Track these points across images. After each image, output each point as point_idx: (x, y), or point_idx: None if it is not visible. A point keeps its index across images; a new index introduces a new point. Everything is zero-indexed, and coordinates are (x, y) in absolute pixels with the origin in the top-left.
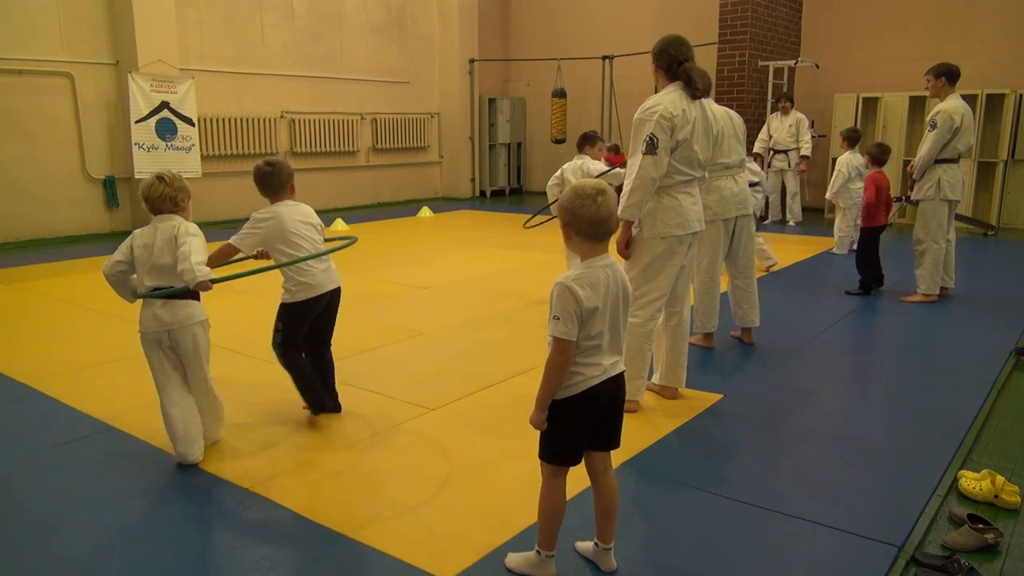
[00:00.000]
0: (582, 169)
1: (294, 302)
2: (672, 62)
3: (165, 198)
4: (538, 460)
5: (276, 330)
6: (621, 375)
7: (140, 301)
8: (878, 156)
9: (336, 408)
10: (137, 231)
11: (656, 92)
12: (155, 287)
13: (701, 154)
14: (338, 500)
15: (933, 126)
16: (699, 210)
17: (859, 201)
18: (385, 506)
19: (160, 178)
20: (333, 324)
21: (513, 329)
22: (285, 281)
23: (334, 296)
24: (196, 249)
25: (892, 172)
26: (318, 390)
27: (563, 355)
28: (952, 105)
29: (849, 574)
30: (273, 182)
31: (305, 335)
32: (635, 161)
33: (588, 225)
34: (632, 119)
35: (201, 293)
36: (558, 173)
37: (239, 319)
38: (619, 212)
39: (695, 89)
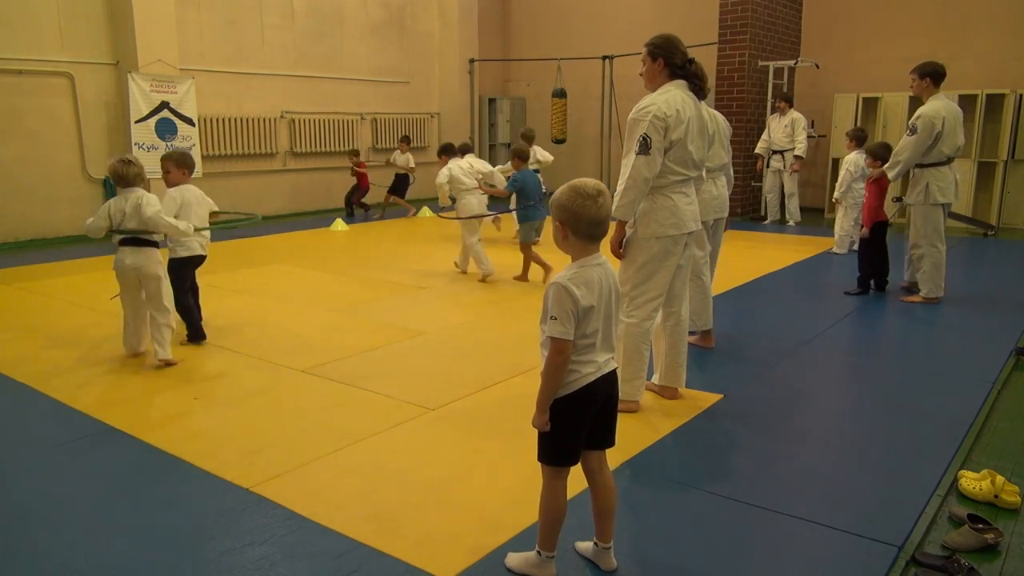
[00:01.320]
0: (473, 167)
1: (178, 257)
2: (684, 60)
3: (134, 176)
4: (538, 461)
5: (172, 284)
6: (614, 372)
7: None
8: (884, 155)
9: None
10: (112, 200)
11: (647, 87)
12: (124, 236)
13: (696, 154)
14: (337, 500)
15: (913, 131)
16: (695, 210)
17: (861, 201)
18: (385, 506)
19: (127, 161)
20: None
21: (513, 329)
22: (172, 244)
23: (203, 259)
24: (169, 222)
25: None
26: (199, 327)
27: (561, 355)
28: (934, 109)
29: (849, 574)
30: (190, 163)
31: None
32: (628, 161)
33: (588, 225)
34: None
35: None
36: (445, 172)
37: (236, 319)
38: (612, 212)
39: (701, 89)
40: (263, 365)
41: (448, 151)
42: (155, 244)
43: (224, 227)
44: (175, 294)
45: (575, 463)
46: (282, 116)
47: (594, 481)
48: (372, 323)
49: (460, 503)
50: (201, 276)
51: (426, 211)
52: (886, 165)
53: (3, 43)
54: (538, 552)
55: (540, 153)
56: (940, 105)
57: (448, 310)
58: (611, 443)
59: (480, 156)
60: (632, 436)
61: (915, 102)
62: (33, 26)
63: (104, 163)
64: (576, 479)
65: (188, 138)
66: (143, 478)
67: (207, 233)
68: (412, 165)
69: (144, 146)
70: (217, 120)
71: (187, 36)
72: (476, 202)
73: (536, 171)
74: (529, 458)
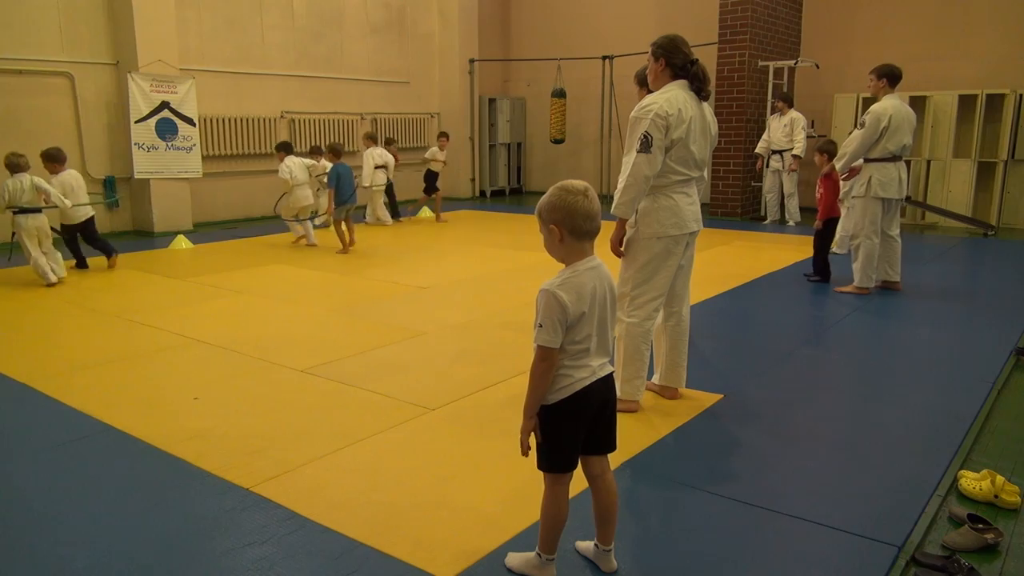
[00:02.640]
0: (307, 165)
1: (68, 224)
2: (686, 60)
3: (24, 165)
4: (538, 469)
5: (63, 238)
6: (610, 376)
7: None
8: (834, 152)
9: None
10: (9, 181)
11: (648, 87)
12: (20, 208)
13: (698, 154)
14: (337, 500)
15: (861, 125)
16: (696, 210)
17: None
18: (384, 506)
19: (18, 155)
20: (94, 230)
21: (513, 329)
22: (67, 211)
23: (89, 221)
24: (57, 195)
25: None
26: (83, 258)
27: (546, 362)
28: (883, 106)
29: (849, 574)
30: (61, 158)
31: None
32: (629, 159)
33: (583, 220)
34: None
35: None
36: (286, 169)
37: (237, 320)
38: (612, 209)
39: (702, 91)
40: (263, 365)
41: (287, 148)
42: (40, 211)
43: (92, 203)
44: (67, 243)
45: (574, 468)
46: (282, 116)
47: (596, 486)
48: (372, 323)
49: (460, 503)
50: (201, 276)
51: (426, 211)
52: (835, 158)
53: (3, 43)
54: (538, 554)
55: (378, 156)
56: (890, 103)
57: (448, 310)
58: (612, 447)
59: (480, 156)
60: (632, 436)
61: (915, 103)
62: (33, 26)
63: (104, 163)
64: (577, 478)
65: (188, 138)
66: (143, 478)
67: (87, 202)
68: (441, 159)
69: (144, 146)
70: (217, 120)
71: (187, 36)
72: (303, 194)
73: (382, 166)
74: (529, 458)
